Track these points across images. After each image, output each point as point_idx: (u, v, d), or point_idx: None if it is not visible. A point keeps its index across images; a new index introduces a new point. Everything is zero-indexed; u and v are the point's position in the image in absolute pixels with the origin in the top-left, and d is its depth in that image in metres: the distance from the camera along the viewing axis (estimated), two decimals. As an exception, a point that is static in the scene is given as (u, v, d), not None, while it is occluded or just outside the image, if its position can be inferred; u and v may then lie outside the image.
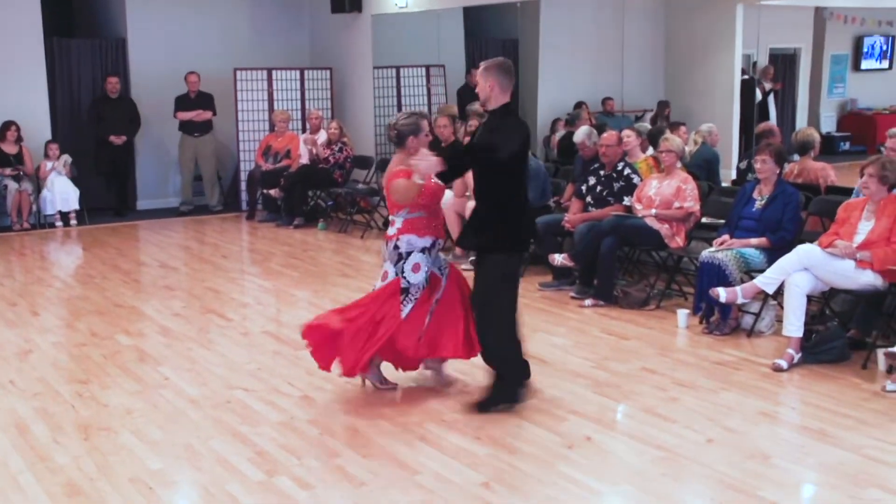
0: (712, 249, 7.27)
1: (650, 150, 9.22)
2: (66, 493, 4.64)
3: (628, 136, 9.23)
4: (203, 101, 13.07)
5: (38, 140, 12.17)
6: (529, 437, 5.26)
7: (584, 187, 8.69)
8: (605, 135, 8.75)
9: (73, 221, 12.25)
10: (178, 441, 5.30)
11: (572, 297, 8.18)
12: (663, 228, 7.96)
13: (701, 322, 7.36)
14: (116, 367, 6.64)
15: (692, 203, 8.00)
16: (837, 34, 16.83)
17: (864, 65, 17.58)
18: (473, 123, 10.25)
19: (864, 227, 6.52)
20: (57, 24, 13.36)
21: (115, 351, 7.01)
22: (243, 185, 13.31)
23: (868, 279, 6.39)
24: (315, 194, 12.21)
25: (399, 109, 13.73)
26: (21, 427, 5.52)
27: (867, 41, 17.44)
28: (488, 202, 5.64)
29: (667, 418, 5.52)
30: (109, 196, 13.11)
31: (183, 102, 13.02)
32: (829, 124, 17.13)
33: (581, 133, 9.48)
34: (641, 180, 8.48)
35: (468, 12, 13.93)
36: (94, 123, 12.67)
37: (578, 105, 13.50)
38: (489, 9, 13.47)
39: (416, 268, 5.81)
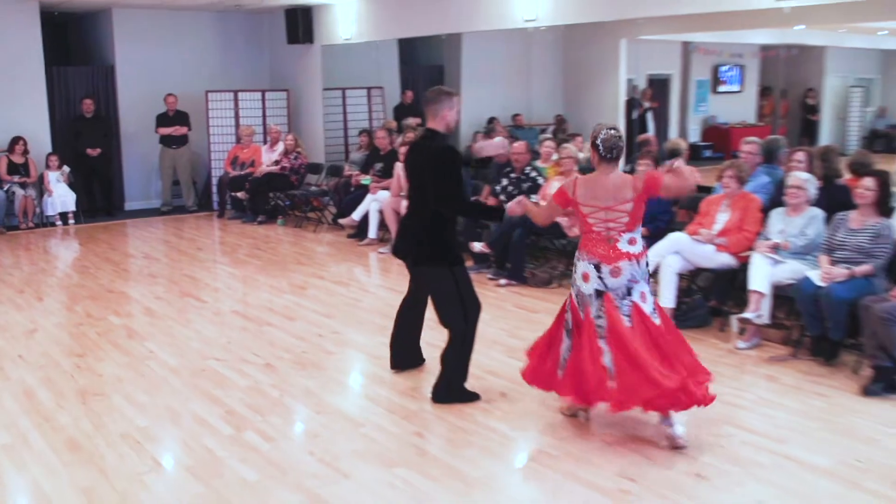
0: (602, 237, 7.34)
1: (554, 156, 9.29)
2: (68, 448, 4.58)
3: (548, 145, 9.35)
4: (180, 118, 12.93)
5: (41, 152, 12.02)
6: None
7: (498, 187, 8.72)
8: (515, 144, 8.79)
9: (71, 221, 12.10)
10: (161, 403, 5.24)
11: (489, 279, 8.22)
12: (563, 220, 8.01)
13: (593, 297, 7.42)
14: (108, 342, 6.53)
15: (585, 200, 8.06)
16: (700, 63, 17.18)
17: (721, 88, 17.94)
18: (409, 135, 10.25)
19: (722, 218, 6.65)
20: (56, 54, 13.17)
21: (108, 329, 6.89)
22: (215, 189, 13.17)
23: (725, 260, 6.52)
24: (275, 195, 12.13)
25: (345, 125, 13.70)
26: (29, 394, 5.43)
27: (723, 69, 17.80)
28: (429, 214, 5.10)
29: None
30: (99, 199, 12.92)
31: (162, 120, 12.88)
32: (694, 135, 17.45)
33: (496, 143, 9.49)
34: (546, 181, 8.54)
35: (402, 42, 13.94)
36: (74, 139, 12.50)
37: (492, 119, 13.57)
38: (419, 39, 13.48)
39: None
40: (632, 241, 4.60)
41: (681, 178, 4.77)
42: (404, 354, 5.73)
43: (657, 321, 4.58)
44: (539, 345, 4.94)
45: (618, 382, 4.45)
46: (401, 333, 5.70)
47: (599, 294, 4.57)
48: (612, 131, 4.63)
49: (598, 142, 4.58)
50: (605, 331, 4.53)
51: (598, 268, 4.58)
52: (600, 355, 4.50)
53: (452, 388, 5.17)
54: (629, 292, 4.55)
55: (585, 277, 4.62)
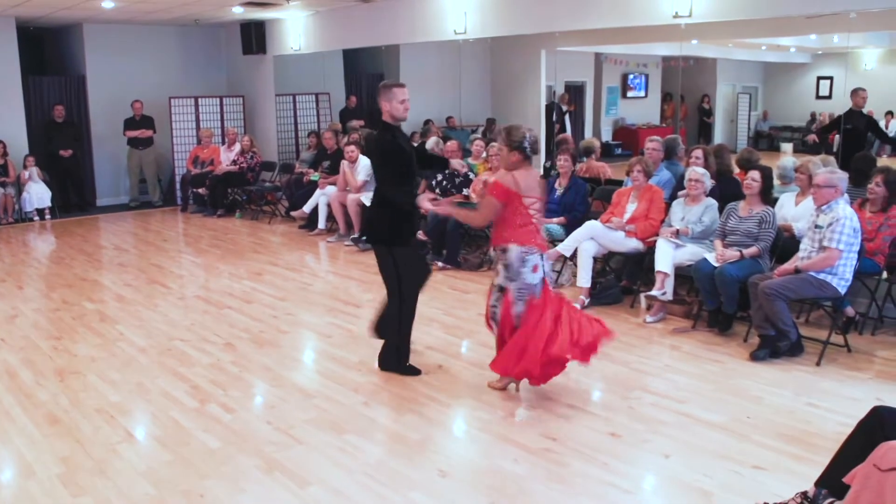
0: (526, 226, 7.37)
1: (484, 154, 9.31)
2: (47, 422, 4.47)
3: (479, 144, 9.35)
4: (146, 122, 12.67)
5: (19, 154, 11.70)
6: (397, 367, 5.25)
7: (433, 182, 8.71)
8: (448, 143, 8.80)
9: (48, 216, 11.78)
10: (131, 380, 5.12)
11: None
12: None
13: (519, 278, 7.45)
14: (83, 326, 6.36)
15: (511, 193, 8.09)
16: (610, 72, 17.34)
17: (630, 94, 18.17)
18: (354, 136, 10.18)
19: (631, 208, 6.73)
20: (31, 65, 12.82)
21: (82, 314, 6.71)
22: (178, 186, 12.94)
23: (634, 244, 6.61)
24: (233, 191, 11.96)
25: (296, 127, 13.55)
26: (11, 373, 5.27)
27: (631, 77, 18.03)
28: (378, 198, 5.05)
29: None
30: (71, 196, 12.59)
31: (130, 123, 12.59)
32: (607, 135, 17.64)
33: (431, 142, 9.51)
34: (476, 176, 8.55)
35: (346, 53, 13.79)
36: (47, 142, 12.17)
37: (427, 121, 13.54)
38: (362, 50, 13.34)
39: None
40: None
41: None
42: (381, 326, 5.34)
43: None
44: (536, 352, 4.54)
45: (542, 358, 4.47)
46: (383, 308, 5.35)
47: (542, 280, 4.56)
48: (534, 132, 4.62)
49: (527, 143, 4.48)
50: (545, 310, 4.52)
51: (542, 257, 4.54)
52: (546, 333, 4.46)
53: (398, 359, 5.11)
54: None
55: (535, 269, 4.50)
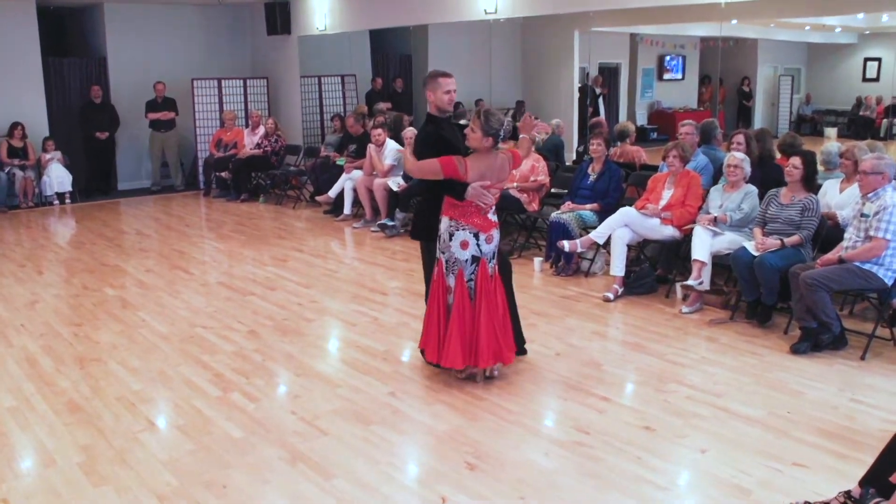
0: (559, 212, 7.36)
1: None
2: (68, 410, 4.52)
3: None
4: (168, 104, 12.74)
5: (38, 137, 11.84)
6: (422, 358, 5.21)
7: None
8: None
9: (68, 200, 11.91)
10: (153, 368, 5.18)
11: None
12: (523, 197, 8.01)
13: (551, 267, 7.45)
14: (104, 312, 6.43)
15: (544, 177, 8.07)
16: (646, 53, 17.19)
17: (666, 76, 18.00)
18: (380, 119, 10.18)
19: (667, 194, 6.67)
20: (52, 46, 12.90)
21: (103, 300, 6.79)
22: (201, 170, 13.02)
23: (670, 232, 6.55)
24: (256, 175, 12.02)
25: (321, 110, 13.58)
26: (31, 360, 5.34)
27: (667, 59, 17.85)
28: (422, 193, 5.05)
29: (527, 339, 5.54)
30: (95, 179, 12.73)
31: (152, 106, 12.67)
32: (642, 119, 17.50)
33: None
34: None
35: (373, 33, 13.79)
36: (83, 123, 12.31)
37: (457, 105, 13.47)
38: (389, 30, 13.33)
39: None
40: (495, 212, 4.74)
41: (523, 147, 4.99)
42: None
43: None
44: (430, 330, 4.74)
45: (485, 341, 4.60)
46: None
47: (475, 259, 4.64)
48: (509, 119, 4.67)
49: (502, 133, 4.57)
50: (475, 293, 4.64)
51: (476, 236, 4.63)
52: (471, 317, 4.62)
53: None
54: (493, 256, 4.71)
55: (464, 245, 4.63)
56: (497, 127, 4.55)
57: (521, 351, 5.18)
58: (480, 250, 4.65)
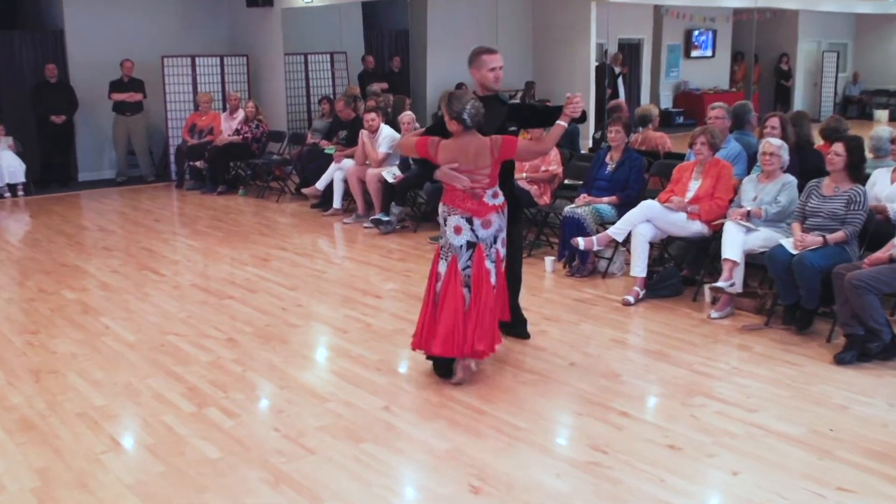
0: (573, 206, 7.37)
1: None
2: (20, 429, 4.52)
3: None
4: (134, 84, 12.77)
5: (-16, 121, 11.82)
6: (420, 367, 5.26)
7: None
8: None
9: (21, 192, 11.92)
10: (118, 380, 5.19)
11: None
12: (533, 189, 8.03)
13: (564, 266, 7.46)
14: (62, 318, 6.45)
15: (556, 167, 8.09)
16: (672, 28, 17.19)
17: (694, 53, 18.00)
18: (371, 102, 10.20)
19: (694, 186, 6.67)
20: (0, 18, 12.86)
21: (61, 304, 6.81)
22: (172, 158, 13.08)
23: (697, 228, 6.56)
24: (235, 165, 12.05)
25: (308, 91, 13.60)
26: (-22, 373, 5.35)
27: (696, 34, 17.85)
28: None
29: (537, 347, 5.60)
30: (51, 169, 12.74)
31: (117, 86, 12.71)
32: (666, 101, 17.51)
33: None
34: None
35: (365, 6, 13.82)
36: (36, 105, 12.33)
37: (460, 85, 13.49)
38: (383, 3, 13.38)
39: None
40: (495, 195, 4.95)
41: (542, 144, 5.31)
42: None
43: (493, 280, 4.97)
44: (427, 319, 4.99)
45: (474, 330, 4.84)
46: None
47: (471, 245, 4.90)
48: (477, 103, 4.83)
49: (465, 115, 4.77)
50: (471, 279, 4.89)
51: (469, 221, 4.88)
52: (463, 304, 4.86)
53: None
54: (495, 241, 4.96)
55: (458, 230, 4.89)
56: (458, 109, 4.77)
57: (524, 333, 5.65)
58: (476, 235, 4.89)
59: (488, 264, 4.92)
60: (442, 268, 4.94)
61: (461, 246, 4.89)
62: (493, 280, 4.94)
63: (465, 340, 4.85)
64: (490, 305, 4.90)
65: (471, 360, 5.00)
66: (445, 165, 4.87)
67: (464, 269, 4.90)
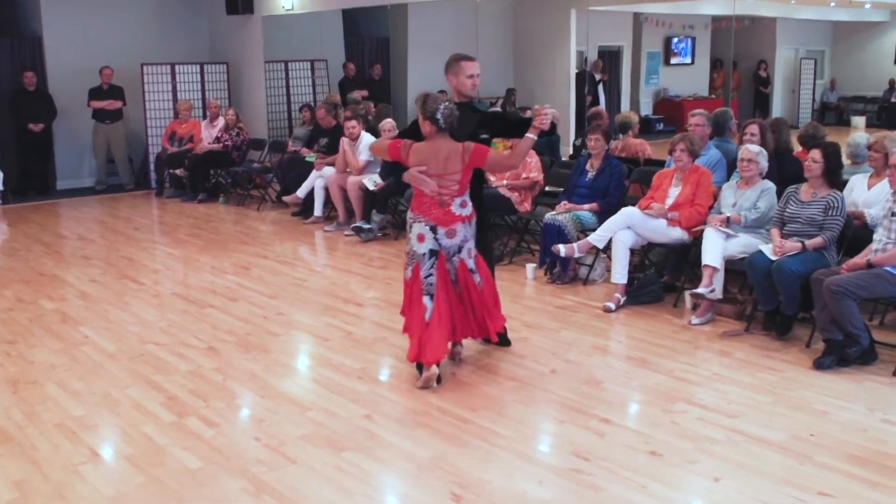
0: (554, 213, 7.38)
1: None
2: (-3, 440, 4.49)
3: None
4: (114, 92, 12.69)
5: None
6: (402, 375, 5.27)
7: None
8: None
9: (-3, 201, 11.83)
10: (97, 390, 5.15)
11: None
12: (513, 196, 8.04)
13: (545, 274, 7.47)
14: (41, 328, 6.40)
15: (537, 174, 8.10)
16: (652, 35, 17.28)
17: (674, 60, 18.09)
18: (352, 111, 10.18)
19: (674, 192, 6.70)
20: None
21: (40, 314, 6.75)
22: (152, 166, 13.01)
23: (677, 234, 6.59)
24: (216, 173, 12.00)
25: (288, 99, 13.57)
26: (-46, 384, 5.30)
27: (675, 41, 17.96)
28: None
29: (518, 354, 5.60)
30: (29, 178, 12.64)
31: (96, 93, 12.62)
32: (646, 108, 17.59)
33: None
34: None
35: (346, 13, 13.81)
36: (14, 113, 12.23)
37: (441, 92, 13.49)
38: (364, 10, 13.37)
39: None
40: (463, 205, 5.03)
41: (511, 158, 5.24)
42: None
43: (477, 279, 5.14)
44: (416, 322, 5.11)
45: (435, 335, 4.96)
46: None
47: (433, 253, 5.00)
48: (451, 105, 4.93)
49: (439, 115, 4.86)
50: (434, 287, 5.00)
51: (434, 230, 4.98)
52: (424, 312, 4.97)
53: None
54: (459, 251, 5.05)
55: (421, 238, 5.00)
56: (432, 109, 4.87)
57: (505, 340, 5.68)
58: (439, 244, 5.00)
59: (451, 274, 5.05)
60: (408, 273, 5.12)
61: (424, 254, 4.99)
62: (453, 288, 5.07)
63: (428, 346, 4.95)
64: (449, 311, 5.03)
65: (436, 370, 5.03)
66: (414, 168, 4.94)
67: (426, 278, 5.00)
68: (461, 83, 5.29)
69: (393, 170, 5.43)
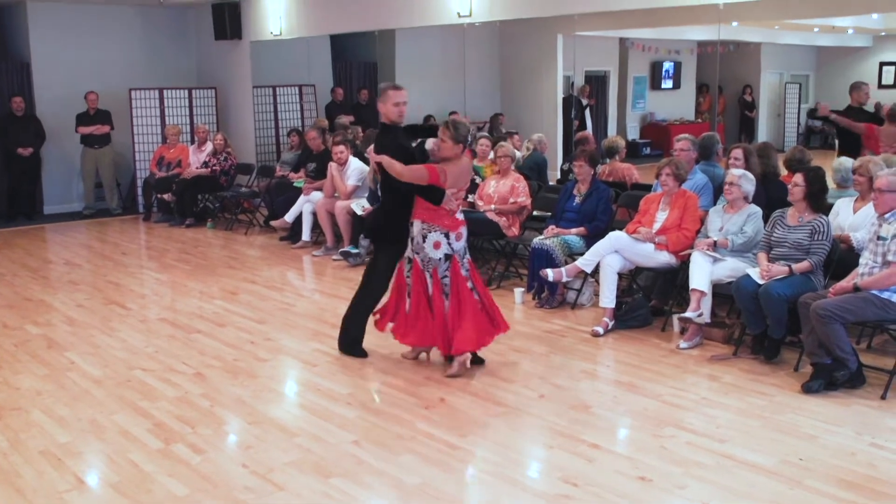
0: (542, 237, 7.39)
1: (491, 155, 9.31)
2: (-20, 468, 4.44)
3: (485, 143, 9.42)
4: (101, 117, 12.72)
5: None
6: (392, 401, 5.25)
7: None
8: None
9: (-15, 226, 11.77)
10: (83, 417, 5.11)
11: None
12: (501, 221, 8.05)
13: (533, 298, 7.47)
14: (26, 353, 6.35)
15: (524, 199, 8.12)
16: (638, 60, 17.39)
17: (660, 85, 18.21)
18: (339, 136, 10.20)
19: (661, 217, 6.73)
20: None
21: (25, 339, 6.71)
22: (140, 191, 13.02)
23: (665, 258, 6.61)
24: (204, 197, 12.00)
25: (276, 124, 13.60)
26: (-62, 411, 5.24)
27: (661, 66, 18.08)
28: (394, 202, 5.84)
29: (506, 379, 5.60)
30: (18, 202, 12.63)
31: (83, 119, 12.65)
32: (633, 133, 17.68)
33: (430, 142, 9.49)
34: (483, 180, 8.56)
35: (334, 39, 13.87)
36: (3, 138, 12.23)
37: (429, 117, 13.56)
38: (352, 35, 13.41)
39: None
40: (460, 210, 5.74)
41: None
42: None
43: (470, 284, 5.71)
44: (388, 309, 5.89)
45: (457, 331, 5.54)
46: None
47: (448, 257, 5.59)
48: (469, 125, 5.78)
49: (471, 139, 5.75)
50: (450, 287, 5.59)
51: (447, 235, 5.58)
52: (443, 308, 5.59)
53: (349, 342, 6.12)
54: (466, 252, 5.73)
55: (437, 245, 5.57)
56: (465, 134, 5.60)
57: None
58: (452, 248, 5.61)
59: (464, 272, 5.64)
60: (409, 282, 5.69)
61: (440, 259, 5.58)
62: (469, 285, 5.64)
63: (449, 339, 5.57)
64: (470, 309, 5.59)
65: (466, 357, 5.62)
66: (451, 190, 5.53)
67: (442, 278, 5.60)
68: (389, 110, 5.71)
69: (406, 191, 5.80)
